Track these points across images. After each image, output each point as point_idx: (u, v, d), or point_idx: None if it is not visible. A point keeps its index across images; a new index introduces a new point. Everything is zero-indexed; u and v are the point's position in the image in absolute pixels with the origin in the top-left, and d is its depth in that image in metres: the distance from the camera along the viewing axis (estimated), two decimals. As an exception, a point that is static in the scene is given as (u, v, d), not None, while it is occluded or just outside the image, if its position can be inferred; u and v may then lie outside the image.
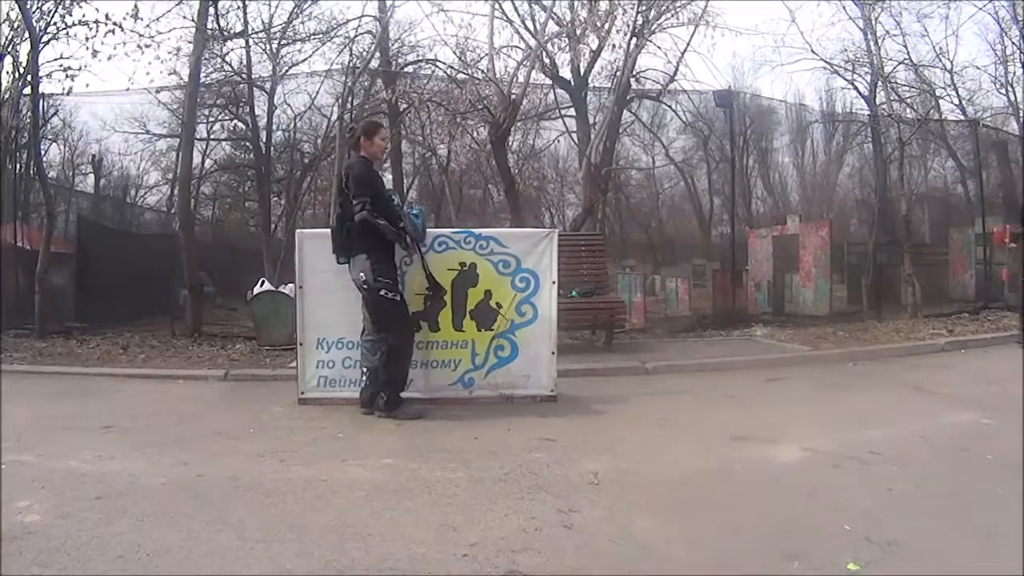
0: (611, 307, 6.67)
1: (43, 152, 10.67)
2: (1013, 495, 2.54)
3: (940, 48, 13.26)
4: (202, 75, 9.76)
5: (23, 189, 10.60)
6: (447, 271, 4.34)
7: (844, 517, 2.41)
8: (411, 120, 11.56)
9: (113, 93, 11.23)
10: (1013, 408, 3.82)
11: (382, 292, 3.87)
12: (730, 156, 11.74)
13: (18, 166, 10.46)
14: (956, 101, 13.03)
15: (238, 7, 11.07)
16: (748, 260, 11.27)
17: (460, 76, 9.05)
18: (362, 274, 3.88)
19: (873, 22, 10.00)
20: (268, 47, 11.62)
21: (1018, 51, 12.47)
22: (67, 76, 8.17)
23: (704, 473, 3.03)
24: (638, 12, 8.65)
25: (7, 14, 8.11)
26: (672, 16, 9.27)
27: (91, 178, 16.20)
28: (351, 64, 10.99)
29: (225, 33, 10.61)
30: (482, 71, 8.50)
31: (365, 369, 4.10)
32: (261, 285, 7.31)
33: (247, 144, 13.83)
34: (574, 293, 6.33)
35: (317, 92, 12.35)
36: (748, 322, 8.26)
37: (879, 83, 10.33)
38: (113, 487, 2.81)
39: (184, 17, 8.98)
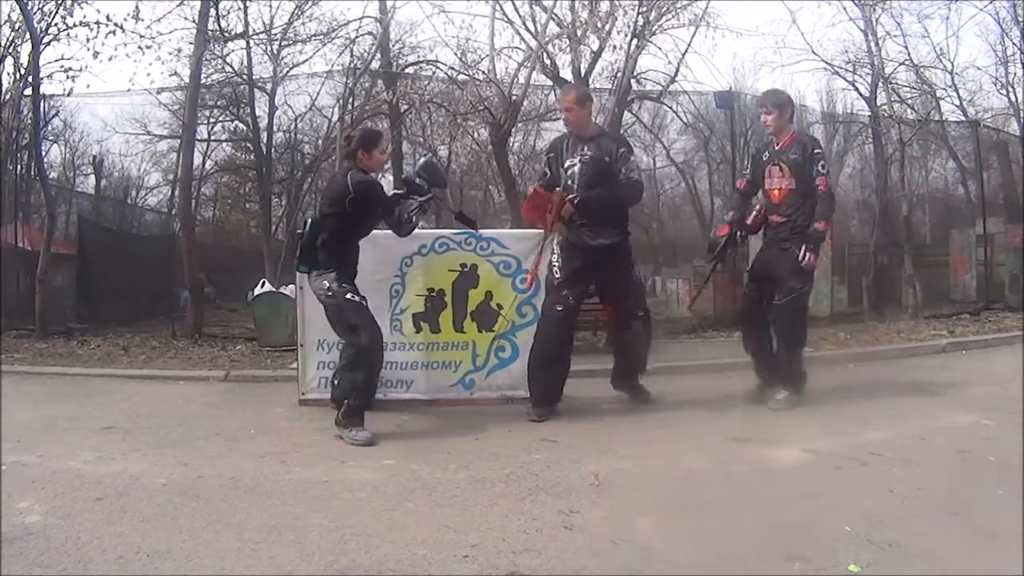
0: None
1: (44, 153, 10.65)
2: (1013, 496, 2.54)
3: (941, 49, 13.20)
4: (203, 76, 9.75)
5: (24, 190, 10.61)
6: (448, 272, 4.35)
7: (845, 518, 2.40)
8: (412, 121, 11.54)
9: (114, 94, 11.20)
10: (1014, 409, 3.81)
11: (348, 296, 3.70)
12: (731, 157, 11.72)
13: (19, 167, 10.47)
14: (957, 102, 13.00)
15: (239, 8, 11.05)
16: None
17: (461, 77, 9.04)
18: (325, 282, 3.72)
19: (874, 23, 9.98)
20: (269, 48, 11.57)
21: (1019, 52, 12.46)
22: (68, 77, 8.18)
23: (705, 474, 3.03)
24: (639, 13, 8.62)
25: (8, 15, 8.14)
26: (673, 17, 9.22)
27: (92, 179, 16.21)
28: (352, 65, 10.99)
29: (226, 34, 10.59)
30: (483, 72, 8.49)
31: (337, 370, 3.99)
32: (262, 286, 7.32)
33: (248, 145, 13.81)
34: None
35: (318, 93, 12.31)
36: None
37: (880, 84, 10.30)
38: (113, 488, 2.82)
39: (185, 18, 8.96)
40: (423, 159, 4.32)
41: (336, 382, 3.92)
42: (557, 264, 4.10)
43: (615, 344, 4.46)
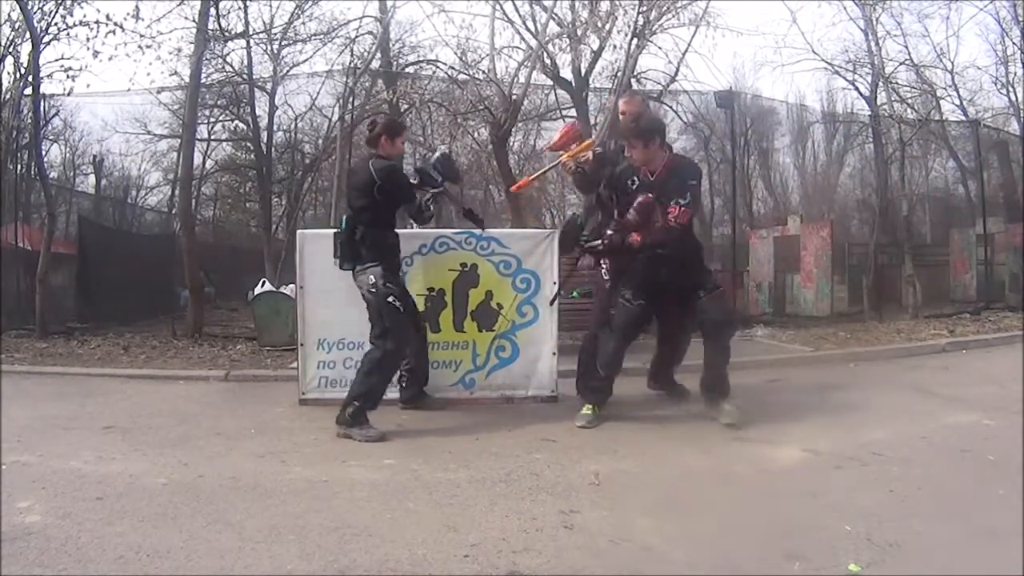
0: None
1: (44, 152, 10.69)
2: (1013, 496, 2.54)
3: (941, 48, 13.30)
4: (203, 76, 9.78)
5: (24, 189, 10.64)
6: (448, 272, 4.35)
7: (845, 518, 2.40)
8: (412, 121, 11.56)
9: (114, 94, 11.27)
10: (1014, 409, 3.82)
11: (389, 299, 3.73)
12: (731, 157, 11.73)
13: (19, 166, 10.49)
14: (957, 101, 13.05)
15: (239, 8, 11.09)
16: (749, 261, 11.28)
17: (461, 77, 9.04)
18: (371, 277, 3.74)
19: (874, 23, 10.01)
20: (269, 48, 11.63)
21: (1019, 51, 12.47)
22: (68, 77, 8.21)
23: (705, 474, 3.04)
24: (639, 13, 8.62)
25: (8, 15, 8.15)
26: (673, 17, 9.25)
27: (92, 178, 16.27)
28: (352, 65, 11.00)
29: (226, 34, 10.62)
30: (483, 72, 8.49)
31: (403, 372, 4.07)
32: (262, 286, 7.33)
33: (248, 145, 13.85)
34: (575, 294, 6.32)
35: (318, 93, 12.37)
36: (749, 323, 8.26)
37: (880, 83, 10.32)
38: (114, 488, 2.81)
39: (185, 18, 9.00)
40: (438, 152, 4.35)
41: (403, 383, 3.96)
42: (605, 266, 4.15)
43: (660, 339, 4.46)
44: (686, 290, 3.84)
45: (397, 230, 3.97)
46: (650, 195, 3.65)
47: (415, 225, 4.33)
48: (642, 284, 3.84)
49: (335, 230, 3.96)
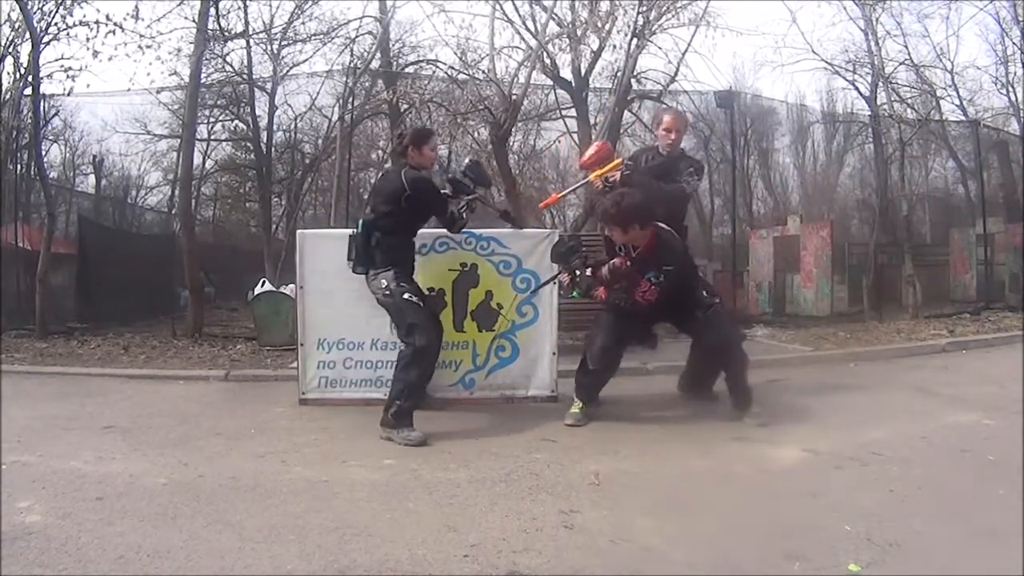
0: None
1: (44, 152, 10.69)
2: (1013, 496, 2.54)
3: (941, 48, 13.30)
4: (203, 75, 9.77)
5: (24, 189, 10.64)
6: (448, 271, 4.35)
7: (845, 518, 2.40)
8: (412, 121, 11.56)
9: (114, 94, 11.28)
10: (1014, 409, 3.82)
11: (405, 296, 3.75)
12: (731, 156, 11.74)
13: (19, 166, 10.49)
14: (957, 101, 13.04)
15: (239, 8, 11.07)
16: (749, 261, 11.29)
17: (461, 77, 9.03)
18: (384, 281, 3.76)
19: (874, 22, 10.01)
20: (269, 48, 11.61)
21: (1019, 51, 12.47)
22: (68, 77, 8.21)
23: (705, 474, 3.03)
24: (639, 13, 8.62)
25: (8, 15, 8.15)
26: (673, 17, 9.21)
27: (92, 178, 16.24)
28: (352, 65, 11.01)
29: (226, 33, 10.62)
30: (483, 72, 8.49)
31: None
32: (262, 286, 7.33)
33: (248, 144, 13.83)
34: (575, 293, 6.31)
35: (318, 93, 12.35)
36: (749, 323, 8.26)
37: (880, 83, 10.32)
38: (114, 488, 2.82)
39: (185, 18, 9.01)
40: (468, 159, 4.41)
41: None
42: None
43: (692, 350, 4.35)
44: (684, 311, 3.87)
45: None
46: (628, 261, 3.72)
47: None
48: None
49: (347, 231, 3.98)
